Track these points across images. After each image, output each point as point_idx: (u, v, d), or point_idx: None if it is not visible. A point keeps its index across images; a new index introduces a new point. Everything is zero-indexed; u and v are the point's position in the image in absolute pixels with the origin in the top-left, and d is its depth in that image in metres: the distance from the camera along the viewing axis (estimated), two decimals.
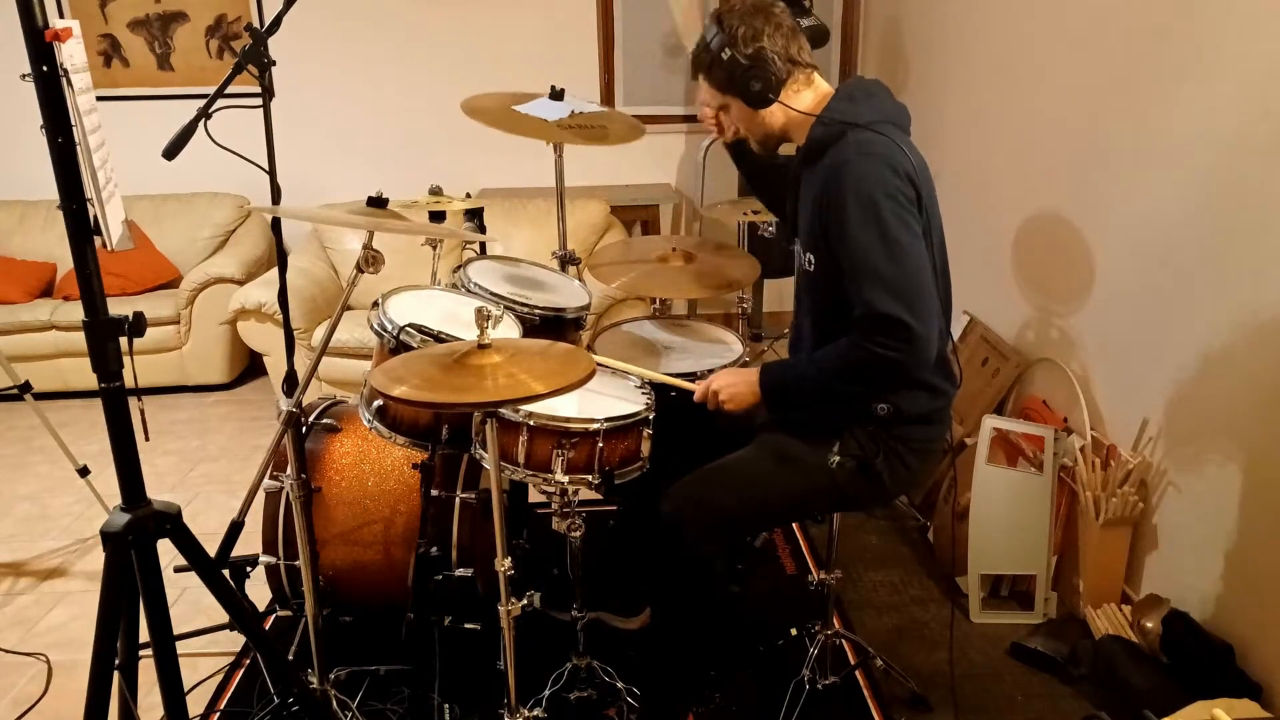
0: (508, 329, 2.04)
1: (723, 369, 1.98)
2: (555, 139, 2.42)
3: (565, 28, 4.50)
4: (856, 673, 2.27)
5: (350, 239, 4.21)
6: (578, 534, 1.95)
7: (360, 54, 4.48)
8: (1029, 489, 2.48)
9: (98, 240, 1.32)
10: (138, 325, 1.37)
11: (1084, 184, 2.59)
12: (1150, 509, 2.33)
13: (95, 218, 1.31)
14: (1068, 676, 2.24)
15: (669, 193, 4.68)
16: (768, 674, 2.24)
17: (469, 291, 2.18)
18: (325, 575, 2.14)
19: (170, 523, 1.47)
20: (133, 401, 1.42)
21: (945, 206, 1.79)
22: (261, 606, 2.46)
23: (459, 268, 2.29)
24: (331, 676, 2.08)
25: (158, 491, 2.45)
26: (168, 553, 1.46)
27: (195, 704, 2.15)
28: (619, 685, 2.12)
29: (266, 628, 2.43)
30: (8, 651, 2.42)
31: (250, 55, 1.66)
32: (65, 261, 4.25)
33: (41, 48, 1.21)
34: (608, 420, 1.79)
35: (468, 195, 2.56)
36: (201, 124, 1.63)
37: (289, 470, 1.88)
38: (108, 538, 1.42)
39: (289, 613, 2.30)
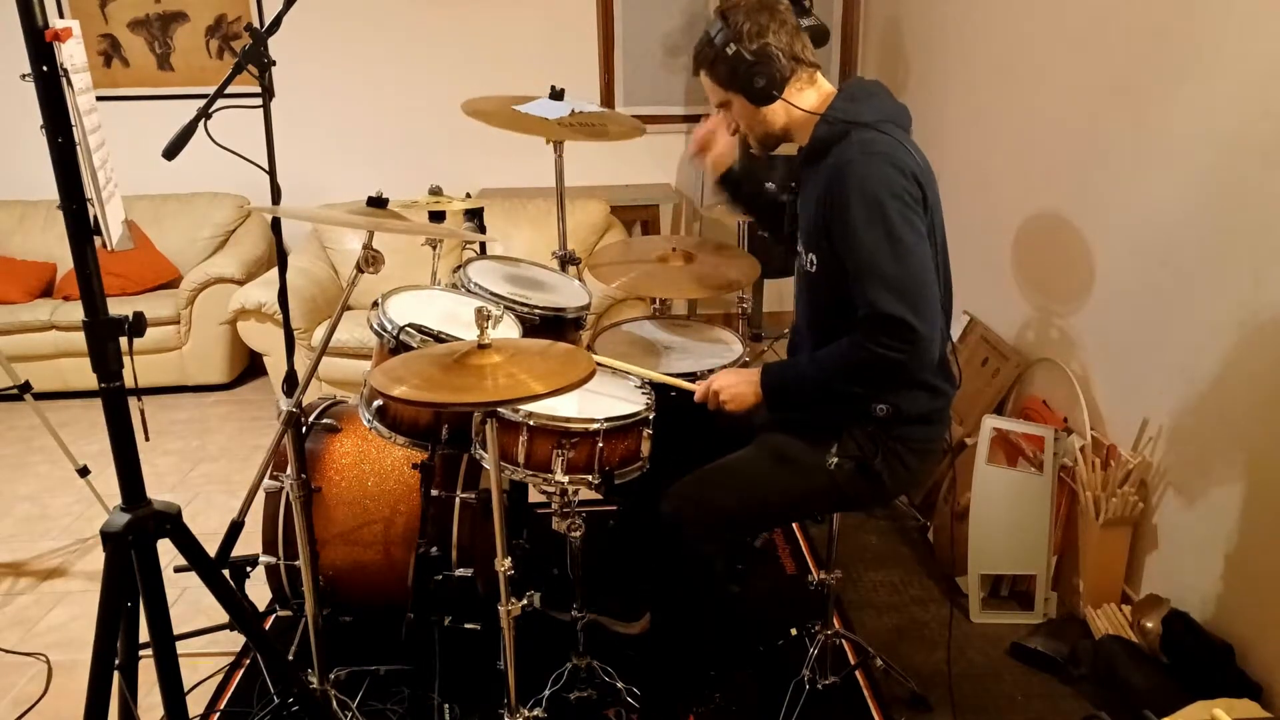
0: (508, 329, 2.04)
1: (723, 369, 1.98)
2: (555, 135, 2.42)
3: (565, 28, 4.50)
4: (856, 673, 2.27)
5: (350, 239, 4.21)
6: (578, 534, 1.95)
7: (360, 54, 4.48)
8: (1029, 489, 2.48)
9: (98, 240, 1.32)
10: (138, 325, 1.37)
11: (1084, 184, 2.59)
12: (1150, 509, 2.33)
13: (95, 218, 1.31)
14: (1068, 676, 2.24)
15: (669, 193, 4.68)
16: (768, 674, 2.24)
17: (469, 291, 2.18)
18: (325, 575, 2.14)
19: (170, 523, 1.47)
20: (133, 401, 1.42)
21: (945, 206, 1.79)
22: (261, 606, 2.46)
23: (459, 268, 2.29)
24: (331, 676, 2.08)
25: (158, 491, 2.45)
26: (168, 553, 1.46)
27: (195, 704, 2.15)
28: (619, 685, 2.12)
29: (266, 628, 2.43)
30: (8, 651, 2.42)
31: (250, 55, 1.66)
32: (65, 261, 4.25)
33: (41, 48, 1.21)
34: (608, 420, 1.79)
35: (468, 195, 2.56)
36: (201, 124, 1.63)
37: (289, 470, 1.88)
38: (108, 538, 1.42)
39: (289, 613, 2.30)
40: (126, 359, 1.38)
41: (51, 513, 3.17)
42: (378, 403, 1.95)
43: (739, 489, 1.82)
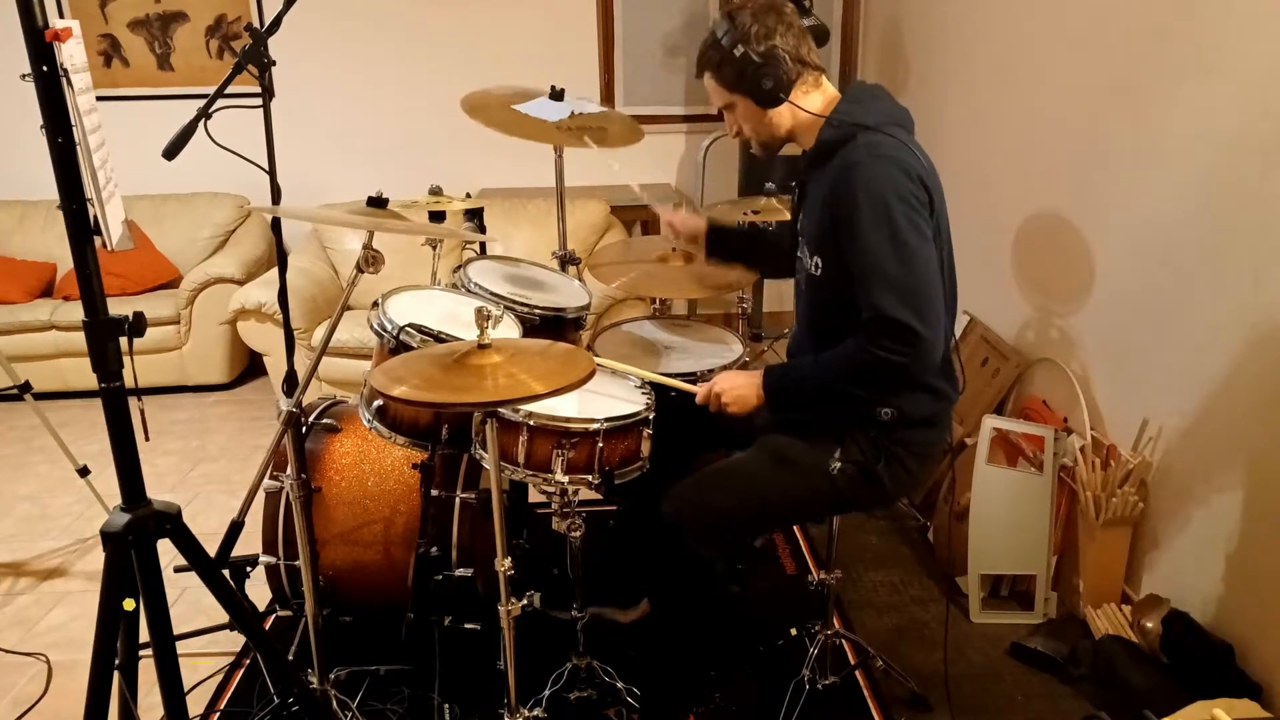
0: (508, 329, 2.04)
1: (725, 371, 1.97)
2: (555, 141, 2.42)
3: (565, 28, 4.50)
4: (856, 673, 2.27)
5: (350, 239, 4.21)
6: (578, 534, 1.95)
7: (360, 54, 4.48)
8: (1029, 489, 2.48)
9: (98, 240, 1.32)
10: (138, 325, 1.37)
11: (1084, 184, 2.59)
12: (1150, 509, 2.33)
13: (95, 218, 1.31)
14: (1068, 676, 2.24)
15: (669, 193, 4.68)
16: (768, 674, 2.24)
17: (469, 291, 2.18)
18: (325, 575, 2.14)
19: (170, 523, 1.47)
20: (133, 401, 1.42)
21: (947, 207, 1.79)
22: (261, 606, 2.46)
23: (459, 268, 2.29)
24: (331, 676, 2.08)
25: (158, 491, 2.45)
26: (168, 553, 1.46)
27: (195, 704, 2.15)
28: (619, 685, 2.12)
29: (266, 628, 2.43)
30: (8, 651, 2.42)
31: (250, 55, 1.66)
32: (65, 261, 4.25)
33: (41, 48, 1.21)
34: (608, 420, 1.79)
35: (468, 195, 2.56)
36: (201, 124, 1.63)
37: (289, 470, 1.88)
38: (108, 538, 1.42)
39: (289, 613, 2.30)
40: (126, 359, 1.38)
41: (51, 513, 3.17)
42: (378, 403, 1.95)
43: (739, 491, 1.82)
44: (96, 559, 2.84)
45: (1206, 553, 2.13)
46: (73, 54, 1.26)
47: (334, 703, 2.03)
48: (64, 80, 1.23)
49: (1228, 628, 2.06)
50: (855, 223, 1.62)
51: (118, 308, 1.29)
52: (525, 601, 1.76)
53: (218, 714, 2.15)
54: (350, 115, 4.55)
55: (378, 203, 1.86)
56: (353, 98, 4.54)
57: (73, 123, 1.26)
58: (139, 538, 1.43)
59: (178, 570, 1.59)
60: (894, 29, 4.12)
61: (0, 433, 3.84)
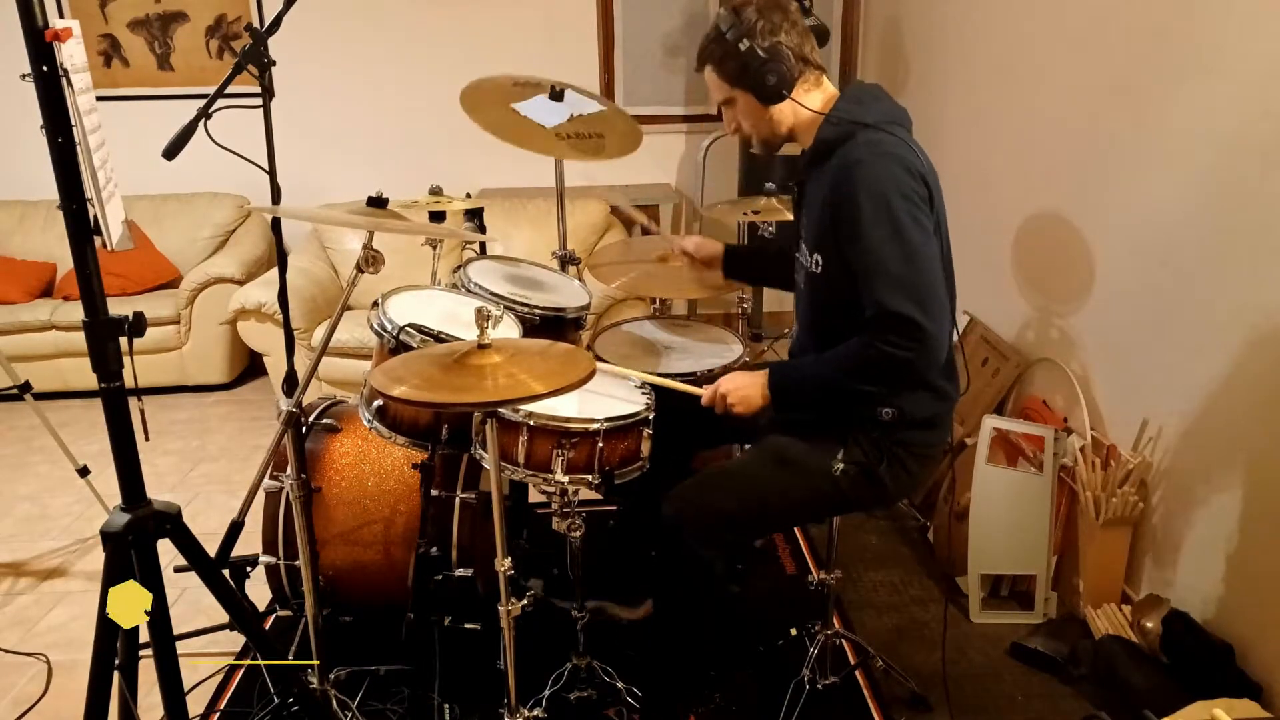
0: (508, 329, 2.04)
1: (727, 372, 1.97)
2: (552, 153, 2.42)
3: (565, 27, 4.50)
4: (856, 673, 2.27)
5: (350, 239, 4.21)
6: (578, 534, 1.95)
7: (360, 54, 4.48)
8: (1029, 489, 2.48)
9: (98, 240, 1.32)
10: (138, 325, 1.36)
11: (1084, 184, 2.59)
12: (1150, 509, 2.33)
13: (95, 218, 1.31)
14: (1068, 676, 2.24)
15: (669, 193, 4.68)
16: (768, 674, 2.24)
17: (469, 291, 2.18)
18: (325, 575, 2.14)
19: (170, 523, 1.47)
20: (133, 401, 1.41)
21: (945, 206, 1.79)
22: (261, 606, 2.46)
23: (459, 268, 2.29)
24: (331, 676, 2.08)
25: (158, 491, 2.45)
26: (168, 553, 1.46)
27: (195, 704, 2.15)
28: (619, 685, 2.12)
29: (266, 628, 2.43)
30: (8, 651, 2.42)
31: (250, 55, 1.66)
32: (65, 261, 4.25)
33: (41, 48, 1.21)
34: (608, 420, 1.79)
35: (468, 195, 2.56)
36: (201, 124, 1.63)
37: (289, 470, 1.88)
38: (108, 538, 1.42)
39: (289, 613, 2.30)
40: (126, 359, 1.38)
41: (51, 513, 3.17)
42: (378, 403, 1.95)
43: (740, 492, 1.82)
44: (96, 559, 2.84)
45: (1206, 553, 2.13)
46: (73, 54, 1.26)
47: (334, 703, 2.03)
48: (64, 80, 1.23)
49: (1228, 628, 2.06)
50: (857, 221, 1.62)
51: (118, 308, 1.28)
52: (526, 599, 1.76)
53: (218, 714, 2.15)
54: (350, 115, 4.56)
55: (378, 203, 1.86)
56: (353, 98, 4.54)
57: (73, 123, 1.26)
58: (139, 538, 1.43)
59: (178, 570, 1.59)
60: (894, 29, 4.12)
61: (0, 433, 3.84)
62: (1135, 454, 2.32)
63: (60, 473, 3.34)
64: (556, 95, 2.43)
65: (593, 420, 1.78)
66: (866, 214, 1.61)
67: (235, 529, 1.98)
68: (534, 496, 2.72)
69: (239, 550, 2.01)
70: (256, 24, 4.06)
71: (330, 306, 3.93)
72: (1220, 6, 2.06)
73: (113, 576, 1.42)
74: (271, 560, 2.18)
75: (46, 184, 1.45)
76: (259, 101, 1.72)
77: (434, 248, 2.53)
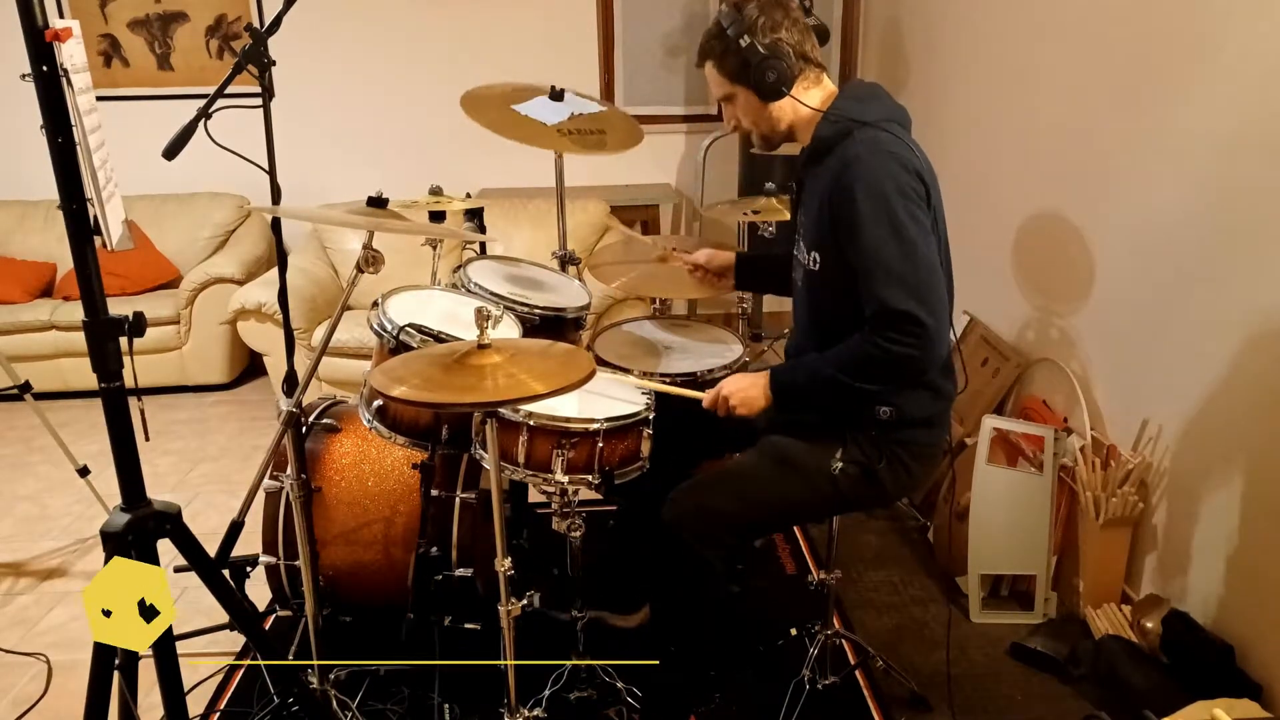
0: (508, 329, 2.04)
1: (728, 372, 1.97)
2: (554, 147, 2.42)
3: (565, 27, 4.50)
4: (856, 673, 2.27)
5: (350, 239, 4.21)
6: (578, 534, 1.95)
7: (360, 54, 4.48)
8: (1029, 489, 2.48)
9: (98, 240, 1.32)
10: (138, 325, 1.36)
11: (1084, 184, 2.59)
12: (1150, 509, 2.33)
13: (95, 218, 1.31)
14: (1068, 676, 2.24)
15: (669, 193, 4.68)
16: (768, 674, 2.24)
17: (469, 291, 2.18)
18: (325, 575, 2.14)
19: (170, 523, 1.47)
20: (133, 401, 1.41)
21: (946, 206, 1.79)
22: (261, 606, 2.46)
23: (459, 268, 2.29)
24: (331, 676, 2.08)
25: (158, 491, 2.45)
26: (168, 553, 1.46)
27: (195, 704, 2.15)
28: (619, 685, 2.12)
29: (266, 628, 2.43)
30: (8, 651, 2.42)
31: (250, 55, 1.66)
32: (65, 261, 4.25)
33: (41, 48, 1.21)
34: (608, 420, 1.79)
35: (468, 195, 2.56)
36: (201, 124, 1.63)
37: (289, 470, 1.88)
38: (108, 538, 1.41)
39: (289, 613, 2.30)
40: (126, 359, 1.38)
41: (51, 513, 3.17)
42: (378, 403, 1.95)
43: (740, 493, 1.82)
44: (96, 559, 2.84)
45: (1206, 553, 2.13)
46: (73, 54, 1.26)
47: (334, 703, 2.03)
48: (64, 80, 1.23)
49: (1228, 628, 2.06)
50: (856, 218, 1.62)
51: (118, 308, 1.28)
52: (525, 601, 1.76)
53: (218, 714, 2.15)
54: (350, 115, 4.56)
55: (378, 203, 1.86)
56: (353, 98, 4.54)
57: (73, 123, 1.26)
58: (139, 538, 1.43)
59: (178, 570, 1.59)
60: (894, 29, 4.12)
61: (0, 433, 3.84)
62: (1135, 454, 2.32)
63: (60, 473, 3.34)
64: (557, 95, 2.43)
65: (593, 420, 1.78)
66: (866, 211, 1.61)
67: (235, 529, 1.98)
68: (534, 496, 2.72)
69: (239, 550, 2.01)
70: (256, 24, 4.06)
71: (330, 306, 3.93)
72: (1220, 7, 2.06)
73: None
74: (271, 560, 2.18)
75: (46, 184, 1.46)
76: (259, 101, 1.72)
77: (434, 248, 2.53)
